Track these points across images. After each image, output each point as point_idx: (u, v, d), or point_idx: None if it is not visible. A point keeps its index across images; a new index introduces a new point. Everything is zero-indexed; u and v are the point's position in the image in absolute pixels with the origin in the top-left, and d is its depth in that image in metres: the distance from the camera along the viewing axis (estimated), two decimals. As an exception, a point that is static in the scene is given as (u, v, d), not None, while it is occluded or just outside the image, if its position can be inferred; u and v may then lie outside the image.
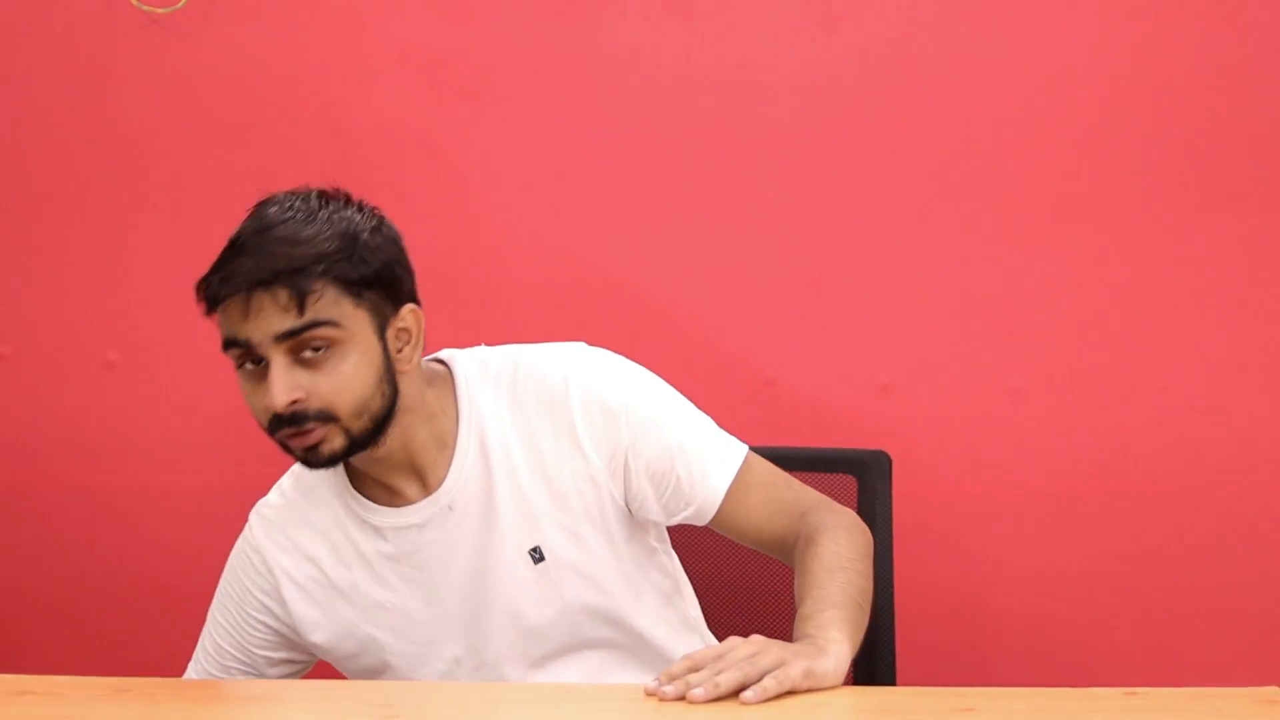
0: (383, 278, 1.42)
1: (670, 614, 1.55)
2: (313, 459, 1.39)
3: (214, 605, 1.55)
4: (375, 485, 1.48)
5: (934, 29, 2.01)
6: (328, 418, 1.37)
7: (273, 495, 1.56)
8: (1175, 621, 2.01)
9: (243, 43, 2.04)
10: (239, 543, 1.55)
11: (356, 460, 1.44)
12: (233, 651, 1.52)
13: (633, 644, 1.50)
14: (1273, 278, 2.01)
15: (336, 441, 1.38)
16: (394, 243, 1.46)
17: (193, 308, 2.07)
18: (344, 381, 1.38)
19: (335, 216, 1.42)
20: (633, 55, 2.02)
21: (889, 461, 1.69)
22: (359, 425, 1.39)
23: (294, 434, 1.37)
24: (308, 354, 1.37)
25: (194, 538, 2.06)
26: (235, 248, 1.43)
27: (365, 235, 1.42)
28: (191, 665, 1.55)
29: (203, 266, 2.06)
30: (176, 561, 2.07)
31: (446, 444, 1.47)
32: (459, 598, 1.46)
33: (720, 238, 2.01)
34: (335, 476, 1.50)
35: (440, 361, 1.52)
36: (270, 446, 2.02)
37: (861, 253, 2.03)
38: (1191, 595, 2.01)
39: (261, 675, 1.52)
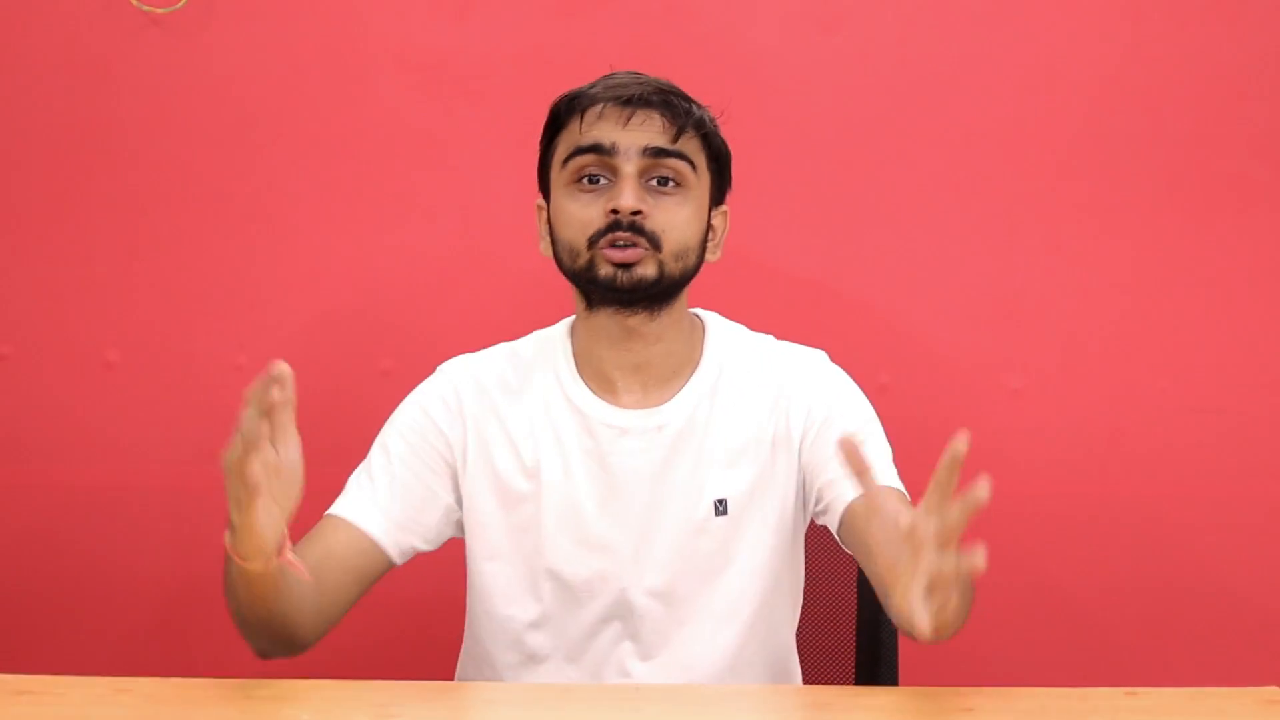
0: (724, 163, 1.54)
1: (794, 625, 1.58)
2: (623, 277, 1.43)
3: (384, 439, 1.54)
4: (599, 380, 1.51)
5: (933, 25, 2.01)
6: (655, 244, 1.44)
7: (478, 359, 1.58)
8: (1175, 621, 2.01)
9: (243, 43, 2.04)
10: (428, 385, 1.56)
11: (603, 342, 1.49)
12: (402, 476, 1.51)
13: (765, 635, 1.52)
14: (1277, 276, 2.01)
15: (650, 269, 1.44)
16: (729, 147, 1.55)
17: (194, 306, 2.08)
18: (680, 220, 1.46)
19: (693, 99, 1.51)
20: (635, 54, 2.01)
21: None
22: (673, 267, 1.45)
23: (620, 243, 1.42)
24: (654, 184, 1.46)
25: (195, 538, 2.05)
26: (610, 76, 1.50)
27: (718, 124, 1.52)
28: (346, 493, 1.52)
29: (204, 265, 2.07)
30: (177, 561, 2.06)
31: (682, 373, 1.53)
32: (632, 515, 1.49)
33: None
34: (558, 359, 1.54)
35: (697, 314, 1.59)
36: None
37: (861, 250, 2.03)
38: (1192, 595, 2.01)
39: (417, 516, 1.50)
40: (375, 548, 1.48)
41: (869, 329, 2.01)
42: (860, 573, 1.66)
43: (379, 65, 2.03)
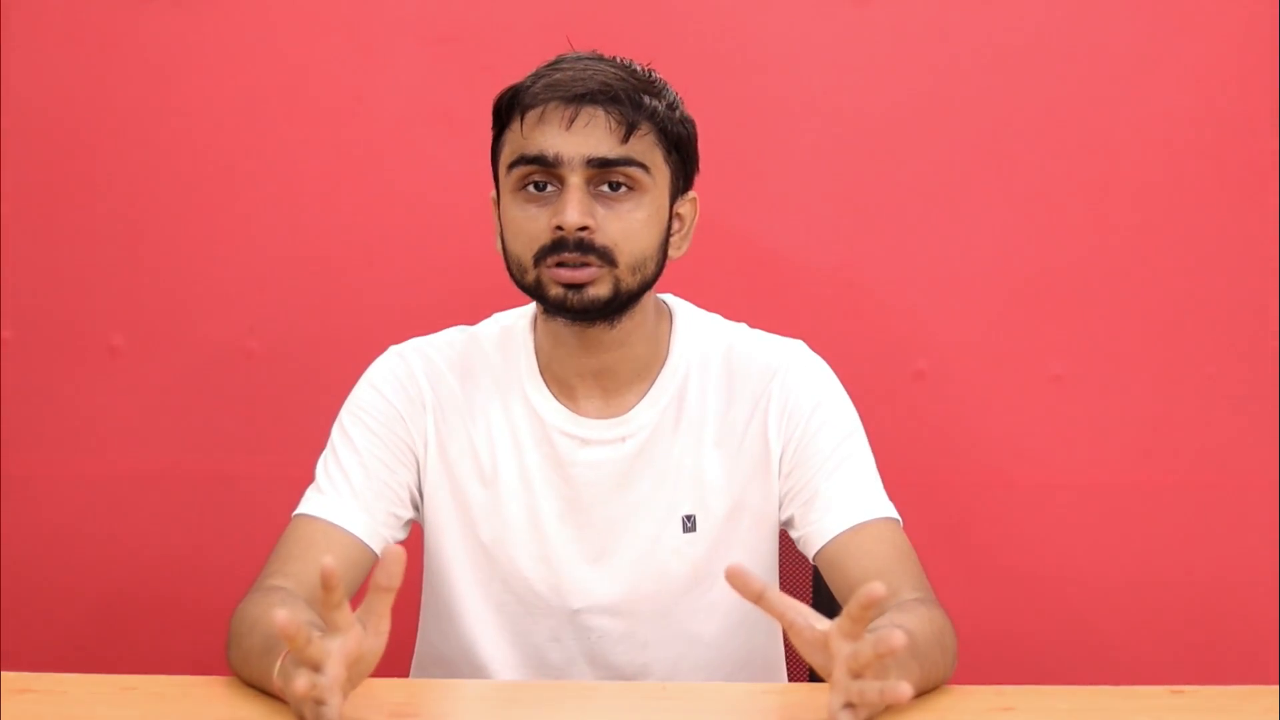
0: (687, 149, 1.42)
1: (778, 631, 1.53)
2: (574, 300, 1.34)
3: (347, 430, 1.45)
4: (559, 384, 1.44)
5: (969, 2, 1.98)
6: (608, 259, 1.34)
7: (433, 344, 1.49)
8: (1224, 617, 1.98)
9: (255, 17, 2.01)
10: (384, 369, 1.47)
11: (562, 347, 1.41)
12: (377, 471, 1.42)
13: (742, 654, 1.48)
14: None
15: (604, 288, 1.34)
16: (694, 124, 1.44)
17: (201, 289, 2.05)
18: (635, 229, 1.35)
19: (655, 75, 1.41)
20: (661, 26, 1.98)
21: None
22: (629, 282, 1.36)
23: (567, 264, 1.33)
24: (605, 189, 1.35)
25: (203, 529, 2.03)
26: (556, 66, 1.38)
27: (680, 102, 1.41)
28: (322, 493, 1.42)
29: (211, 248, 2.04)
30: (185, 553, 2.05)
31: (646, 376, 1.45)
32: (593, 531, 1.43)
33: (751, 216, 1.97)
34: (519, 357, 1.46)
35: (664, 302, 1.50)
36: (283, 435, 2.00)
37: (897, 233, 2.00)
38: (1241, 590, 1.98)
39: (394, 509, 1.43)
40: (367, 554, 1.40)
41: (905, 313, 1.98)
42: (815, 569, 1.61)
43: (394, 40, 2.00)
